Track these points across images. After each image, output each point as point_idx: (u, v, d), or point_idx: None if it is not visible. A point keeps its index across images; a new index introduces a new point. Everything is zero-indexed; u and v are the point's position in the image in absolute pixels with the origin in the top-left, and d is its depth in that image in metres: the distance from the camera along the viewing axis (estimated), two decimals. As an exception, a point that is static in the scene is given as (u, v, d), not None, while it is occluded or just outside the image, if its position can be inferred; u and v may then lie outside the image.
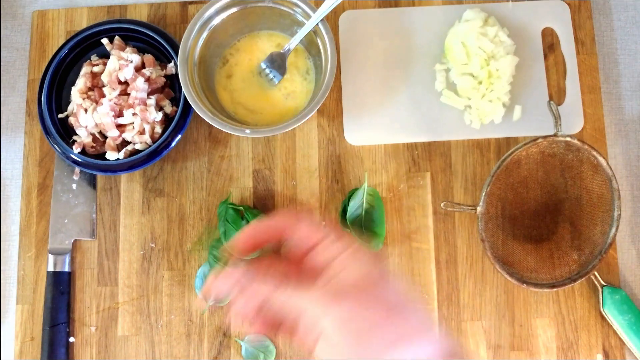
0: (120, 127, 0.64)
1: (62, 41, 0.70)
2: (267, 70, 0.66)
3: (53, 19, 0.72)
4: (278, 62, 0.66)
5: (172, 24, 0.71)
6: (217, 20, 0.65)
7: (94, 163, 0.64)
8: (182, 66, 0.62)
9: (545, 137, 0.59)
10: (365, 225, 0.64)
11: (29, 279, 0.66)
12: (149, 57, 0.66)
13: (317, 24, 0.62)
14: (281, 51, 0.66)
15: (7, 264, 0.67)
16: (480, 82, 0.66)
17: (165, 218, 0.67)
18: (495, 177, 0.60)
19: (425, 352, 0.36)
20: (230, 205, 0.65)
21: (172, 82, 0.67)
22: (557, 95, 0.68)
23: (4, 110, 0.71)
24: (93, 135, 0.65)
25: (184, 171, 0.68)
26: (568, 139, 0.59)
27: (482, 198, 0.59)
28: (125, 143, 0.65)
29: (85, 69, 0.66)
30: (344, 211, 0.65)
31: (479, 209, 0.59)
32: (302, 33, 0.64)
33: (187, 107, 0.64)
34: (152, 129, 0.64)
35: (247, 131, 0.61)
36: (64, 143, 0.64)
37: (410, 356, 0.36)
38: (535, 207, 0.64)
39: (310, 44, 0.66)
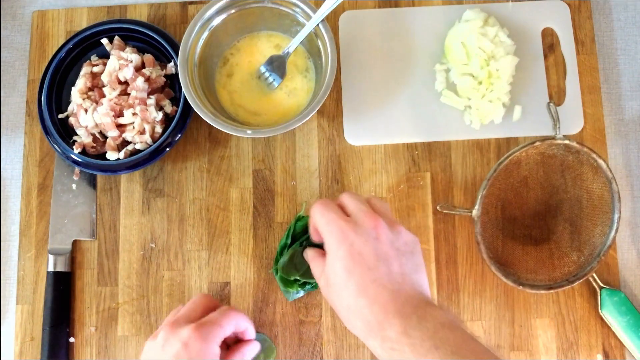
0: (120, 127, 0.64)
1: (62, 41, 0.70)
2: (267, 74, 0.66)
3: (53, 19, 0.72)
4: (277, 65, 0.66)
5: (172, 24, 0.71)
6: (217, 21, 0.65)
7: (94, 163, 0.64)
8: (182, 67, 0.62)
9: (543, 139, 0.59)
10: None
11: (29, 279, 0.66)
12: (148, 57, 0.66)
13: (317, 24, 0.62)
14: (280, 54, 0.66)
15: (7, 264, 0.67)
16: (480, 82, 0.66)
17: (165, 218, 0.67)
18: (495, 178, 0.60)
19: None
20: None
21: (172, 81, 0.67)
22: (557, 96, 0.68)
23: (4, 110, 0.71)
24: (93, 135, 0.65)
25: (184, 171, 0.68)
26: (566, 141, 0.59)
27: (478, 201, 0.59)
28: (125, 143, 0.65)
29: (85, 69, 0.66)
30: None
31: (474, 212, 0.59)
32: (301, 35, 0.63)
33: (187, 107, 0.64)
34: (152, 128, 0.64)
35: (249, 132, 0.61)
36: (64, 143, 0.64)
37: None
38: (535, 207, 0.64)
39: (310, 44, 0.66)
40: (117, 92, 0.64)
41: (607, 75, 0.70)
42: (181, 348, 0.50)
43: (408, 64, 0.69)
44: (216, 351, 0.52)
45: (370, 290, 0.47)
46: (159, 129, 0.64)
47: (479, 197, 0.59)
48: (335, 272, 0.48)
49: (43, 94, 0.65)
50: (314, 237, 0.56)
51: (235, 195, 0.67)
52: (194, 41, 0.64)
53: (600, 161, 0.60)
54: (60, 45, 0.67)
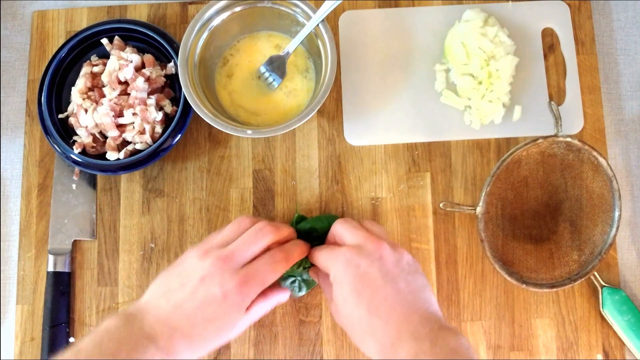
0: (120, 127, 0.64)
1: (62, 41, 0.70)
2: (267, 74, 0.66)
3: (53, 19, 0.72)
4: (277, 65, 0.66)
5: (172, 24, 0.71)
6: (217, 21, 0.65)
7: (94, 163, 0.64)
8: (182, 67, 0.62)
9: (545, 137, 0.59)
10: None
11: (29, 279, 0.66)
12: (149, 57, 0.66)
13: (317, 24, 0.62)
14: (280, 54, 0.66)
15: (7, 264, 0.67)
16: (480, 83, 0.66)
17: (165, 218, 0.67)
18: (496, 177, 0.60)
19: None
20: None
21: (172, 81, 0.67)
22: (557, 96, 0.68)
23: (4, 110, 0.71)
24: (93, 135, 0.65)
25: (184, 171, 0.68)
26: (568, 139, 0.60)
27: (482, 198, 0.59)
28: (125, 143, 0.65)
29: (85, 69, 0.66)
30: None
31: (478, 209, 0.59)
32: (301, 35, 0.63)
33: (187, 107, 0.64)
34: (152, 128, 0.64)
35: (249, 132, 0.61)
36: (64, 143, 0.64)
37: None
38: (535, 207, 0.64)
39: (310, 44, 0.66)
40: (117, 92, 0.64)
41: (607, 75, 0.70)
42: (220, 296, 0.49)
43: (408, 64, 0.69)
44: (248, 303, 0.51)
45: (382, 310, 0.47)
46: (159, 129, 0.64)
47: (483, 194, 0.59)
48: (344, 297, 0.49)
49: (43, 94, 0.65)
50: (314, 278, 0.58)
51: (235, 195, 0.67)
52: (194, 41, 0.64)
53: (601, 159, 0.60)
54: (60, 45, 0.67)
